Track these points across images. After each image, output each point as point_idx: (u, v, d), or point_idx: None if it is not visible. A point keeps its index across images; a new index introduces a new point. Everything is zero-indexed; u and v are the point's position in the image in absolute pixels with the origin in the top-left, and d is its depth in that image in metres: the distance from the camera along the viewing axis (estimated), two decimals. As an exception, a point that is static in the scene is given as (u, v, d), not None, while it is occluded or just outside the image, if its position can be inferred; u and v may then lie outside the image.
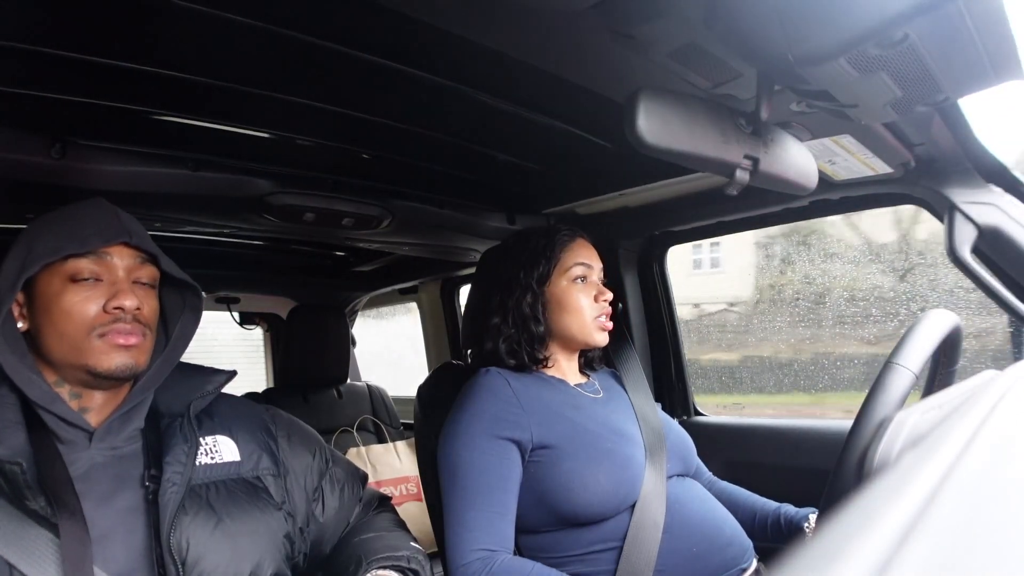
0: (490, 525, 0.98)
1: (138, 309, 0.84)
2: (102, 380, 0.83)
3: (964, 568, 0.20)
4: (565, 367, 1.19)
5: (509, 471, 1.02)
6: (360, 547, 0.93)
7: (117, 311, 0.82)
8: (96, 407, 0.84)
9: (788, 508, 1.15)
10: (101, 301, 0.82)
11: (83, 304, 0.81)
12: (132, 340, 0.83)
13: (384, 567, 0.90)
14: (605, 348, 1.25)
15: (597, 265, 1.18)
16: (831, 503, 0.66)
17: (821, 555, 0.20)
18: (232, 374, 0.96)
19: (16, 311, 0.83)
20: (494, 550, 0.97)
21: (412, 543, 0.96)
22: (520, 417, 1.04)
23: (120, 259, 0.85)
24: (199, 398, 0.91)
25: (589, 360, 1.25)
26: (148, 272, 0.88)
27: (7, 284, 0.81)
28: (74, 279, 0.82)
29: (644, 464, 1.04)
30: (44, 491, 0.74)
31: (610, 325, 1.17)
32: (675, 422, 1.24)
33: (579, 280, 1.15)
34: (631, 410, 1.17)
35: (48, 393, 0.81)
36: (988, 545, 0.22)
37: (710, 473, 1.29)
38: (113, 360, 0.82)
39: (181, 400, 0.89)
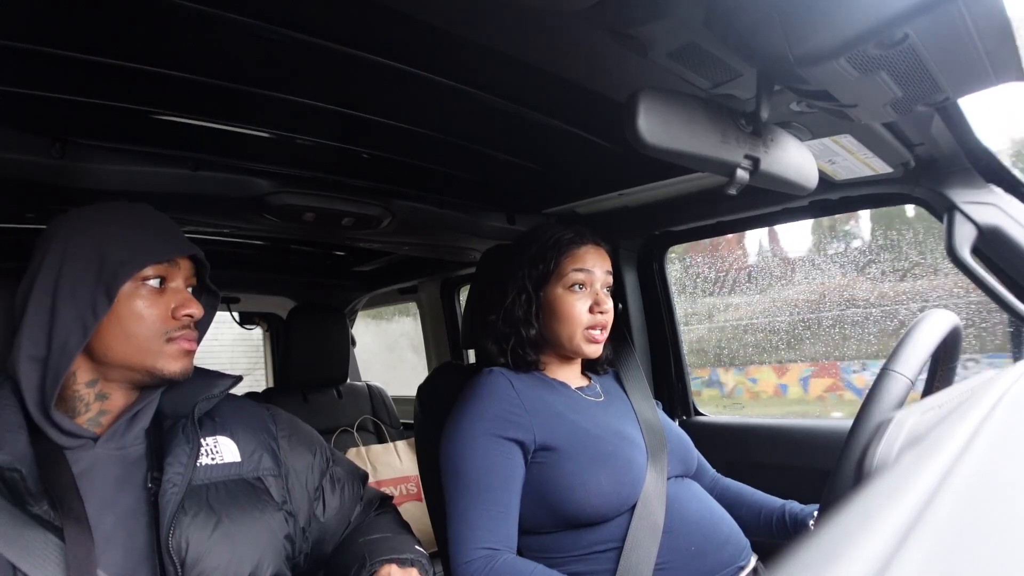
0: (493, 524, 0.99)
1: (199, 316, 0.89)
2: (159, 381, 0.86)
3: (964, 568, 0.20)
4: (565, 370, 1.18)
5: (512, 471, 1.02)
6: (364, 548, 0.92)
7: (187, 318, 0.87)
8: (115, 410, 0.85)
9: (793, 505, 1.15)
10: (168, 304, 0.86)
11: (153, 309, 0.85)
12: (194, 345, 0.89)
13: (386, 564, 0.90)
14: (610, 350, 1.25)
15: (601, 270, 1.13)
16: (831, 503, 0.66)
17: (821, 555, 0.20)
18: (238, 379, 0.97)
19: None
20: (497, 549, 0.98)
21: (416, 547, 0.96)
22: (523, 418, 1.04)
23: (183, 267, 0.89)
24: (204, 400, 0.91)
25: (593, 363, 1.24)
26: (193, 280, 0.92)
27: (91, 297, 0.81)
28: (145, 283, 0.85)
29: (645, 467, 1.04)
30: (47, 494, 0.74)
31: (602, 337, 1.13)
32: (675, 424, 1.23)
33: (576, 287, 1.12)
34: (632, 412, 1.17)
35: (58, 413, 0.80)
36: (988, 545, 0.22)
37: (713, 471, 1.29)
38: (179, 364, 0.86)
39: (186, 402, 0.90)
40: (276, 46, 0.83)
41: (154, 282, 0.85)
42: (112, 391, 0.85)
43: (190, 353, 0.88)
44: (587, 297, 1.12)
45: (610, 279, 1.16)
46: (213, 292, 0.98)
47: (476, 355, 1.25)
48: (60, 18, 0.75)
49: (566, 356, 1.17)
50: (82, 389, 0.83)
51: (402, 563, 0.90)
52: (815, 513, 1.10)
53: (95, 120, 1.02)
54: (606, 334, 1.14)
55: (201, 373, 0.95)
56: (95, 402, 0.84)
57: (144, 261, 0.83)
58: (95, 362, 0.83)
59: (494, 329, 1.15)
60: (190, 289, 0.91)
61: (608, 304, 1.13)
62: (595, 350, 1.13)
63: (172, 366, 0.85)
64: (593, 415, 1.10)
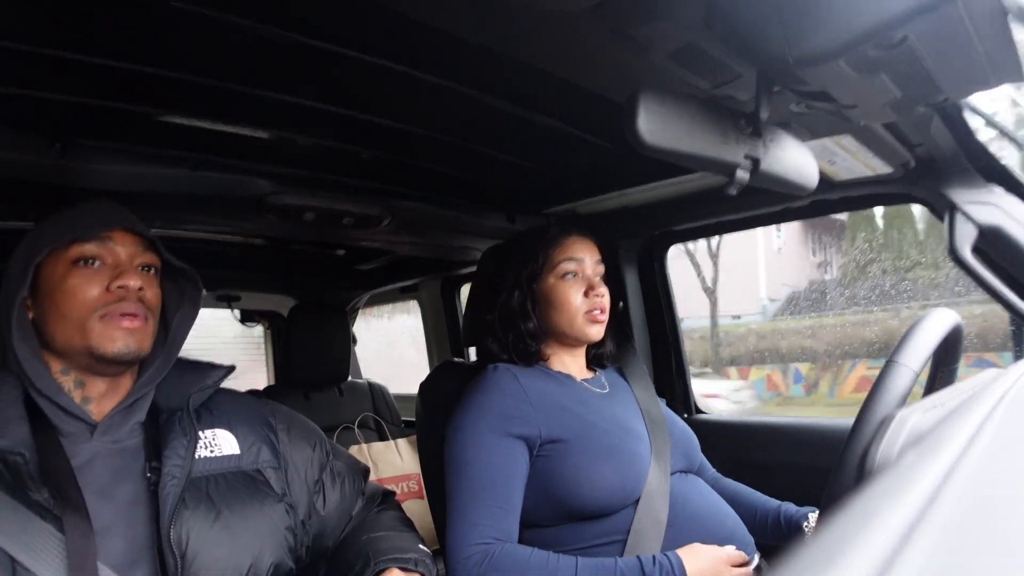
0: (493, 520, 0.99)
1: (141, 290, 0.85)
2: (105, 365, 0.83)
3: (965, 568, 0.20)
4: (569, 363, 1.19)
5: (515, 468, 1.02)
6: (367, 546, 0.93)
7: (120, 290, 0.83)
8: (98, 397, 0.85)
9: (788, 507, 1.15)
10: (104, 282, 0.84)
11: (86, 285, 0.83)
12: (136, 323, 0.84)
13: (391, 568, 0.90)
14: (613, 345, 1.25)
15: (590, 259, 1.16)
16: (831, 502, 0.67)
17: (821, 555, 0.20)
18: (231, 368, 0.97)
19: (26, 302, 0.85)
20: (494, 542, 0.98)
21: (420, 545, 0.96)
22: (529, 413, 1.04)
23: (123, 245, 0.87)
24: (198, 392, 0.91)
25: (599, 357, 1.25)
26: (150, 258, 0.89)
27: (17, 274, 0.83)
28: (77, 264, 0.84)
29: (649, 460, 1.05)
30: (47, 483, 0.74)
31: (603, 318, 1.15)
32: (678, 419, 1.24)
33: (568, 276, 1.14)
34: (636, 406, 1.17)
35: (53, 384, 0.82)
36: (989, 545, 0.22)
37: (714, 470, 1.29)
38: (116, 343, 0.82)
39: (180, 395, 0.90)
40: (276, 47, 0.83)
41: (88, 262, 0.84)
42: (85, 378, 0.85)
43: (131, 331, 0.83)
44: (580, 283, 1.14)
45: (601, 269, 1.17)
46: (193, 279, 0.95)
47: (477, 354, 1.26)
48: (60, 19, 0.76)
49: (569, 344, 1.18)
50: (60, 377, 0.84)
51: (405, 563, 0.90)
52: (810, 515, 1.11)
53: (95, 120, 1.02)
54: (606, 316, 1.15)
55: (193, 366, 0.95)
56: (76, 389, 0.84)
57: (67, 235, 0.83)
58: (53, 351, 0.84)
59: (492, 328, 1.16)
60: (152, 271, 0.89)
61: (603, 288, 1.15)
62: (598, 331, 1.15)
63: (109, 346, 0.82)
64: (598, 407, 1.11)
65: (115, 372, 0.86)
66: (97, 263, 0.84)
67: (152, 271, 0.90)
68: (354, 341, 2.63)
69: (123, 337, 0.83)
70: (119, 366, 0.85)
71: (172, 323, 0.95)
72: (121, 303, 0.83)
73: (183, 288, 0.96)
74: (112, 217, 0.87)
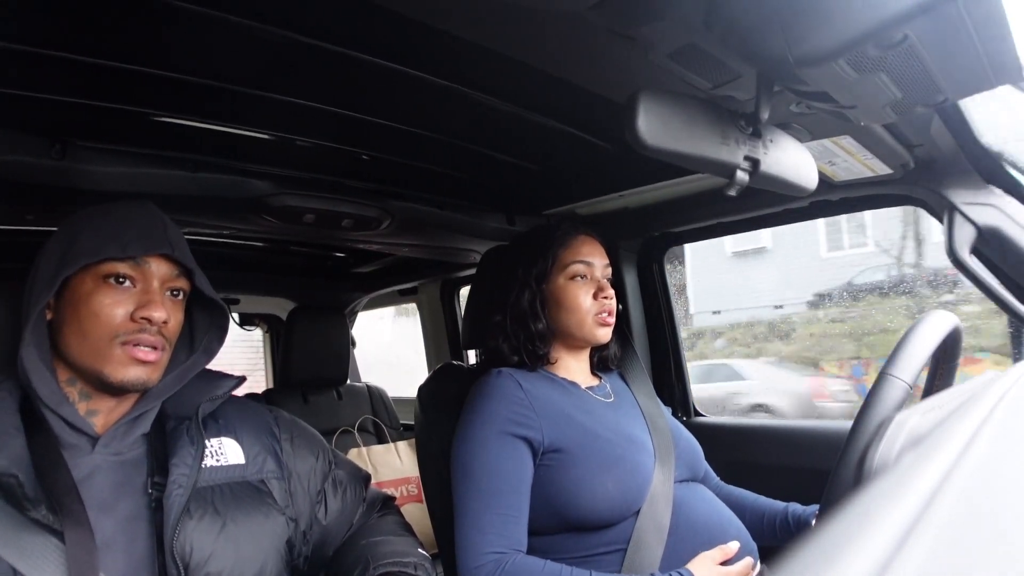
0: (503, 528, 0.98)
1: (165, 323, 0.83)
2: (113, 388, 0.82)
3: (962, 569, 0.20)
4: (574, 368, 1.18)
5: (523, 474, 1.01)
6: (366, 551, 0.92)
7: (144, 321, 0.81)
8: (105, 411, 0.83)
9: (796, 507, 1.14)
10: (130, 308, 0.81)
11: (112, 308, 0.80)
12: (152, 356, 0.82)
13: (390, 572, 0.89)
14: (617, 347, 1.25)
15: (600, 262, 1.16)
16: (831, 504, 0.66)
17: (821, 555, 0.20)
18: (241, 379, 0.96)
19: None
20: (506, 552, 0.97)
21: (419, 549, 0.96)
22: (532, 419, 1.03)
23: (157, 268, 0.84)
24: (207, 401, 0.90)
25: (603, 360, 1.24)
26: (182, 283, 0.87)
27: (45, 280, 0.80)
28: (107, 281, 0.81)
29: (652, 470, 1.04)
30: (47, 497, 0.73)
31: (612, 320, 1.15)
32: (684, 428, 1.23)
33: (578, 278, 1.14)
34: (640, 414, 1.17)
35: (57, 394, 0.80)
36: (988, 545, 0.22)
37: (717, 478, 1.28)
38: (128, 373, 0.81)
39: (189, 404, 0.89)
40: (275, 48, 0.83)
41: (119, 280, 0.81)
42: (91, 392, 0.83)
43: (146, 363, 0.81)
44: (590, 285, 1.14)
45: (609, 271, 1.18)
46: (221, 309, 0.94)
47: (482, 356, 1.25)
48: (60, 20, 0.75)
49: (577, 346, 1.18)
50: (65, 387, 0.82)
51: (405, 567, 0.90)
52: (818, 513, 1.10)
53: (95, 121, 1.02)
54: (614, 318, 1.16)
55: (203, 374, 0.94)
56: (80, 401, 0.82)
57: (101, 254, 0.80)
58: (63, 361, 0.82)
59: (502, 328, 1.15)
60: (180, 295, 0.88)
61: (611, 291, 1.15)
62: (606, 333, 1.15)
63: (120, 373, 0.80)
64: (603, 416, 1.10)
65: (120, 394, 0.84)
66: (127, 282, 0.82)
67: (180, 295, 0.88)
68: (353, 344, 2.63)
69: (136, 368, 0.81)
70: (126, 392, 0.83)
71: (198, 345, 0.94)
72: (141, 334, 0.81)
73: (212, 312, 0.94)
74: (154, 238, 0.84)
